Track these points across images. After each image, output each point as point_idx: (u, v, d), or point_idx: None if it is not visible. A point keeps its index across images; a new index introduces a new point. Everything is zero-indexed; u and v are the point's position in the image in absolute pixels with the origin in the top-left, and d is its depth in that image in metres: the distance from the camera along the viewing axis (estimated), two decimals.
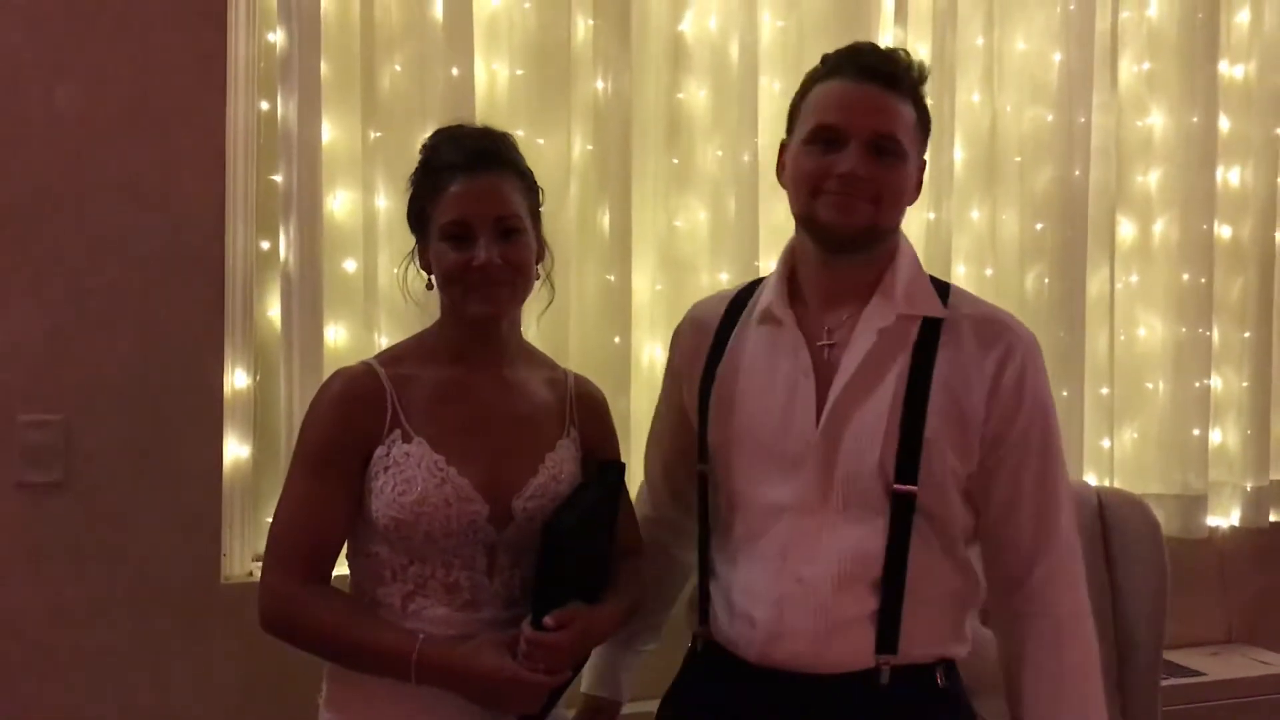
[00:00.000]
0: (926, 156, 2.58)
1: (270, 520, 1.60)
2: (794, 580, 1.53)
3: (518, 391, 1.64)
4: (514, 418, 1.62)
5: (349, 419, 1.56)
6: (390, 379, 1.58)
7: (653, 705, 1.76)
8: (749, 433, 1.59)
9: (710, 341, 1.67)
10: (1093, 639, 1.58)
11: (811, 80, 1.60)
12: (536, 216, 1.64)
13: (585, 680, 1.82)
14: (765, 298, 1.63)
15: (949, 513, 1.55)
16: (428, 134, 2.29)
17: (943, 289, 1.62)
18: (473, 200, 1.55)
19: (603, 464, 1.67)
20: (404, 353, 1.65)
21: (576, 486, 1.63)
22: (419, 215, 1.61)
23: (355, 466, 1.55)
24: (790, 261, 1.65)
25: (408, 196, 1.64)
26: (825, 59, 1.60)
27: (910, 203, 1.61)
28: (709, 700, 1.63)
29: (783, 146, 1.64)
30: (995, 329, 1.58)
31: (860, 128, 1.51)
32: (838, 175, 1.51)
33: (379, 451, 1.55)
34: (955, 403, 1.52)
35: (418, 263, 1.65)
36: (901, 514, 1.52)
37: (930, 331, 1.56)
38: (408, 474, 1.53)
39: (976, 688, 2.18)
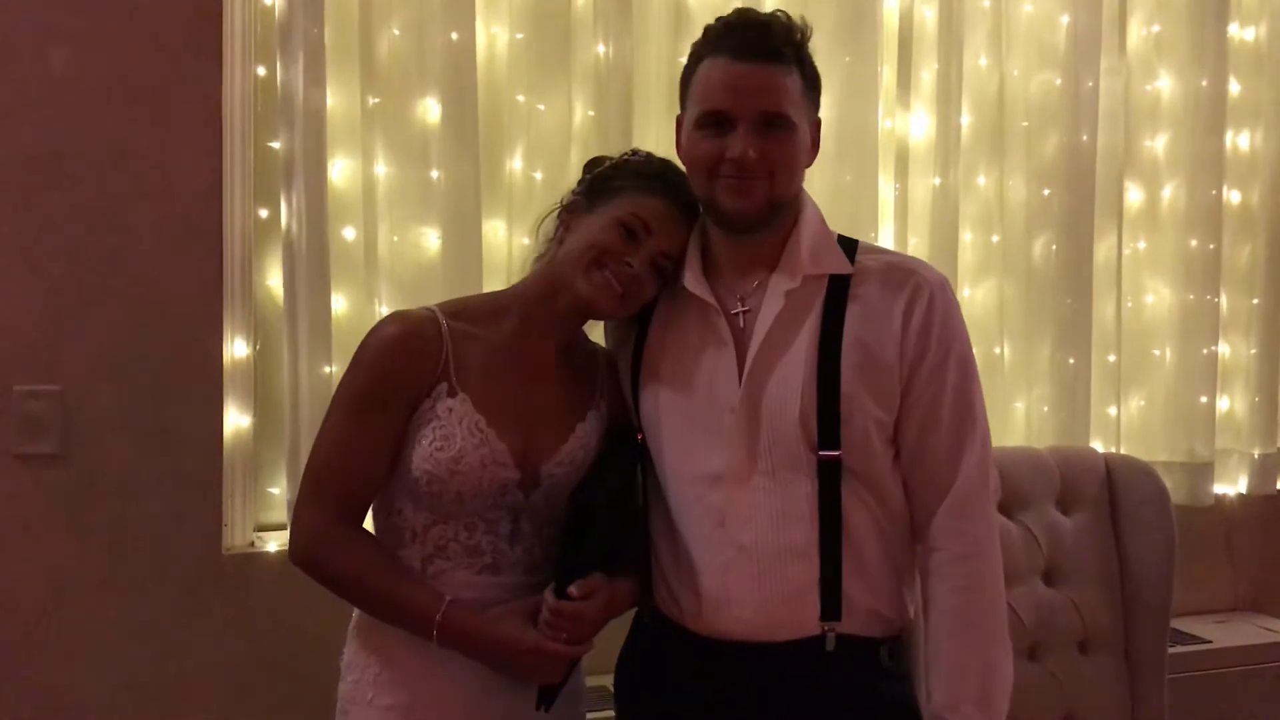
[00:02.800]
0: (933, 119, 2.62)
1: (309, 456, 1.59)
2: (735, 548, 1.54)
3: (560, 362, 1.66)
4: (552, 386, 1.63)
5: (403, 362, 1.55)
6: (450, 331, 1.57)
7: (605, 680, 1.78)
8: (676, 405, 1.61)
9: (636, 323, 1.69)
10: (994, 576, 1.57)
11: (697, 55, 1.60)
12: None
13: None
14: (682, 273, 1.64)
15: (876, 469, 1.56)
16: (428, 99, 2.29)
17: (850, 246, 1.63)
18: (655, 219, 1.59)
19: (622, 436, 1.67)
20: (469, 308, 1.64)
21: (601, 455, 1.63)
22: (604, 186, 1.62)
23: (402, 412, 1.55)
24: (702, 236, 1.66)
25: (608, 166, 1.66)
26: (707, 30, 1.60)
27: (808, 164, 1.61)
28: (658, 673, 1.64)
29: (679, 120, 1.64)
30: (901, 274, 1.58)
31: (746, 109, 1.52)
32: (729, 160, 1.53)
33: (425, 403, 1.54)
34: (868, 352, 1.54)
35: (562, 215, 1.65)
36: (829, 475, 1.53)
37: (839, 288, 1.58)
38: (448, 430, 1.53)
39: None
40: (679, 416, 1.60)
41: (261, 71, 2.28)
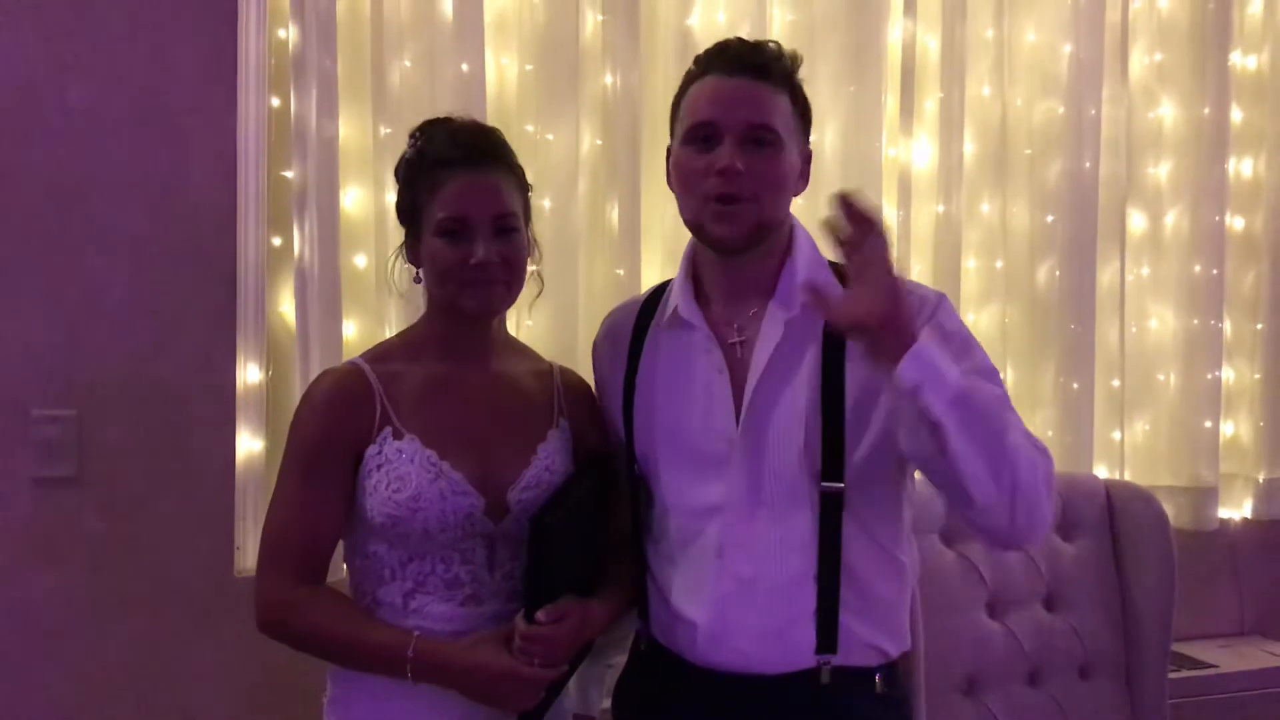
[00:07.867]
0: (936, 147, 2.64)
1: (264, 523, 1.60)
2: (733, 580, 1.54)
3: (506, 384, 1.65)
4: (503, 410, 1.63)
5: (338, 419, 1.56)
6: (378, 376, 1.58)
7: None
8: (672, 437, 1.60)
9: (626, 350, 1.68)
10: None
11: (687, 81, 1.60)
12: (528, 213, 1.64)
13: None
14: (673, 300, 1.64)
15: (881, 496, 1.56)
16: None
17: (842, 272, 1.59)
18: (472, 197, 1.55)
19: (593, 458, 1.68)
20: (390, 350, 1.65)
21: (568, 478, 1.63)
22: (411, 209, 1.61)
23: (346, 467, 1.56)
24: (693, 261, 1.65)
25: (398, 188, 1.64)
26: (697, 59, 1.60)
27: (796, 193, 1.60)
28: (654, 701, 1.64)
29: (668, 151, 1.63)
30: None
31: (734, 121, 1.51)
32: (717, 171, 1.50)
33: (370, 450, 1.55)
34: (874, 378, 1.49)
35: (405, 256, 1.65)
36: (831, 507, 1.53)
37: None
38: (401, 471, 1.53)
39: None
40: (676, 447, 1.60)
41: (276, 102, 2.32)
